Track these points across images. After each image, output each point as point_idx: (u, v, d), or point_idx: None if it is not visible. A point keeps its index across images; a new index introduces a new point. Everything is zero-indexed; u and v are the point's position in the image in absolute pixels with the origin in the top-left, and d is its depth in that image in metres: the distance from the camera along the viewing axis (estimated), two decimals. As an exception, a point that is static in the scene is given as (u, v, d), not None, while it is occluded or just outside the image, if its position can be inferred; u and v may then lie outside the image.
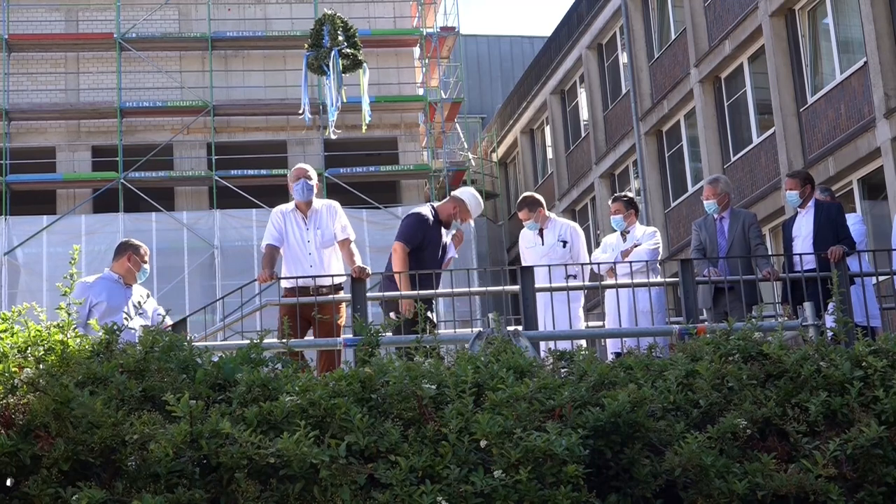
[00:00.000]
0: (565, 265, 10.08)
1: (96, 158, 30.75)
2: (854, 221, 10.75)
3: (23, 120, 30.38)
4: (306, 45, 15.54)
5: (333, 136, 15.13)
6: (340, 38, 15.01)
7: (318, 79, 18.01)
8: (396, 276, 9.10)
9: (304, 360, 8.35)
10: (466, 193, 9.66)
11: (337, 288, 9.29)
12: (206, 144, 30.62)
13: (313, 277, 8.98)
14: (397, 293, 9.14)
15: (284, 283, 9.08)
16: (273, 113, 30.46)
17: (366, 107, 15.49)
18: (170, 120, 30.98)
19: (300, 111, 15.81)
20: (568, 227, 11.00)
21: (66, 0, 31.29)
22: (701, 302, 9.91)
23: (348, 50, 15.01)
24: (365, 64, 15.39)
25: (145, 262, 8.68)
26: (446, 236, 9.59)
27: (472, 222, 9.63)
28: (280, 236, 9.35)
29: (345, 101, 15.19)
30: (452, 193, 9.79)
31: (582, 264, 10.23)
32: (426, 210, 9.59)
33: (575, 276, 9.94)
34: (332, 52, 14.77)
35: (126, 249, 8.67)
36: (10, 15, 30.53)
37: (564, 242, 10.75)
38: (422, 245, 9.31)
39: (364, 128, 15.99)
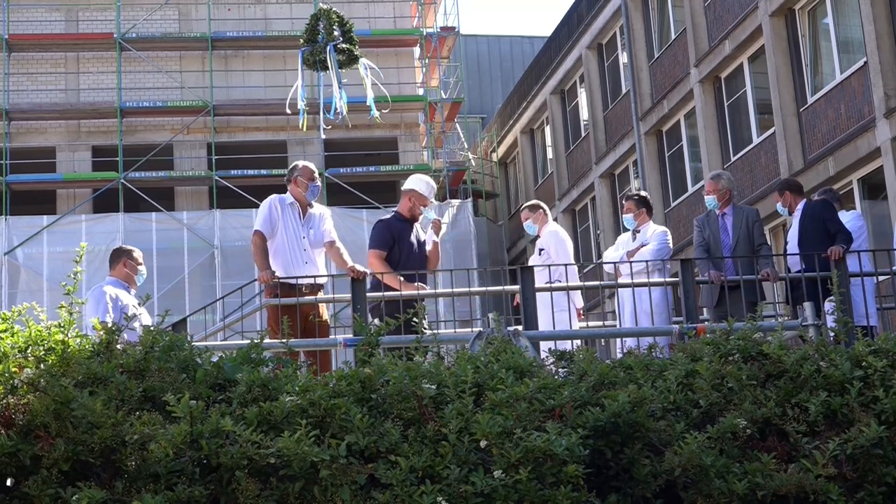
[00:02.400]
0: (548, 266, 10.08)
1: (96, 158, 30.76)
2: (850, 218, 10.68)
3: (23, 120, 30.39)
4: (302, 41, 15.37)
5: (324, 133, 15.06)
6: (336, 33, 14.81)
7: (316, 78, 17.83)
8: (388, 279, 9.12)
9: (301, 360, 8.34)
10: (413, 180, 9.79)
11: (319, 287, 9.31)
12: (206, 144, 30.63)
13: (314, 277, 8.97)
14: (397, 293, 9.13)
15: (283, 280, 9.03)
16: (273, 113, 30.43)
17: (371, 100, 15.33)
18: (170, 120, 30.99)
19: (295, 110, 15.68)
20: (548, 234, 11.06)
21: (66, 0, 31.29)
22: (705, 301, 9.91)
23: (344, 45, 14.80)
24: (363, 59, 15.22)
25: (141, 265, 8.86)
26: (422, 230, 9.67)
27: (434, 202, 9.66)
28: (272, 227, 9.17)
29: (343, 98, 15.06)
30: (402, 188, 9.86)
31: (583, 264, 10.26)
32: (388, 216, 9.77)
33: (559, 281, 9.95)
34: (328, 47, 14.60)
35: (121, 255, 8.89)
36: (10, 15, 30.54)
37: (541, 251, 10.91)
38: (395, 246, 9.38)
39: (378, 118, 15.87)
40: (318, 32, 14.85)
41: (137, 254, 8.93)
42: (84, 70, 31.14)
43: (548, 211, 11.43)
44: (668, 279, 10.27)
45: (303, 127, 16.23)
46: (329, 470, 4.55)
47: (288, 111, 15.97)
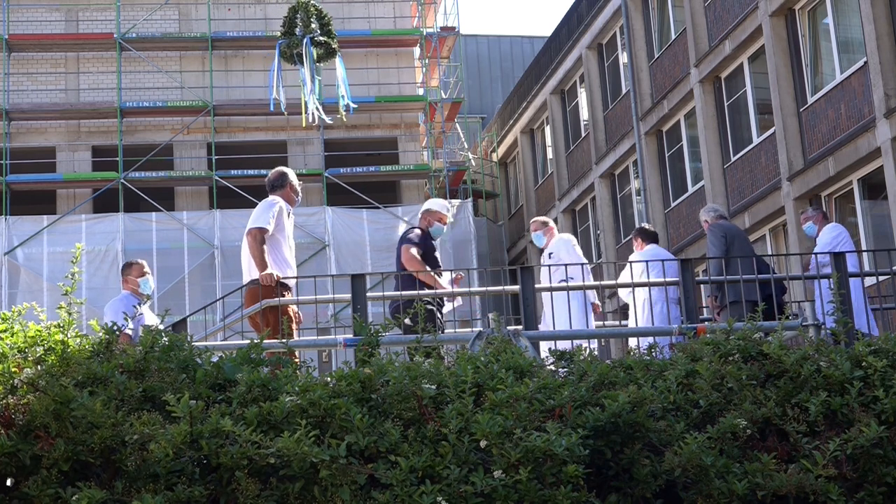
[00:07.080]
0: (565, 266, 10.20)
1: (96, 158, 30.75)
2: (821, 237, 11.00)
3: (23, 120, 30.38)
4: (279, 33, 15.22)
5: (314, 121, 15.01)
6: (314, 25, 14.62)
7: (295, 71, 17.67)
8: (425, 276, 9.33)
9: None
10: (430, 202, 10.26)
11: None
12: (206, 144, 30.62)
13: (314, 277, 8.98)
14: (395, 293, 9.15)
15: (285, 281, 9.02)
16: (273, 113, 30.38)
17: (344, 92, 15.21)
18: (170, 120, 30.98)
19: (275, 101, 15.68)
20: (558, 240, 11.78)
21: (66, 0, 31.28)
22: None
23: (321, 38, 14.61)
24: (339, 54, 15.08)
25: (146, 271, 9.43)
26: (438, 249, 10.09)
27: (450, 218, 9.93)
28: (275, 228, 9.06)
29: (316, 91, 15.01)
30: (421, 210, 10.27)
31: (585, 264, 10.35)
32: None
33: (573, 279, 10.18)
34: (305, 40, 14.45)
35: (130, 267, 9.58)
36: (10, 15, 30.53)
37: (550, 254, 11.55)
38: (426, 253, 9.68)
39: (344, 116, 15.79)
40: (296, 25, 14.68)
41: (141, 262, 9.60)
42: (84, 70, 31.13)
43: (555, 226, 12.17)
44: (667, 279, 10.33)
45: (284, 110, 16.18)
46: (329, 470, 4.55)
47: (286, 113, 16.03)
